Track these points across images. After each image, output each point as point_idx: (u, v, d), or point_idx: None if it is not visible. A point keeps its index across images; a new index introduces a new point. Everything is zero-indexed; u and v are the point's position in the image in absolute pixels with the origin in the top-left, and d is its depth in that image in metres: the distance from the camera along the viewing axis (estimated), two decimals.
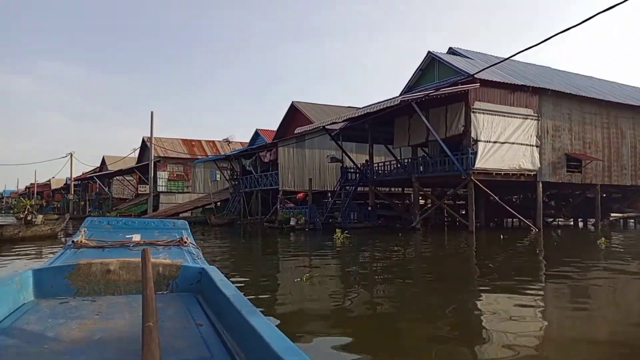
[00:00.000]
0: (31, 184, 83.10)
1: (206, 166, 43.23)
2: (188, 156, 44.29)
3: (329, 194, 29.86)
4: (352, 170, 27.57)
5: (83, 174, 60.51)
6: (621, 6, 7.30)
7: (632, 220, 29.42)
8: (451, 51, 24.87)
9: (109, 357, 1.71)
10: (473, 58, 24.39)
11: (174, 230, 4.02)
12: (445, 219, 30.00)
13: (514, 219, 30.35)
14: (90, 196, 56.66)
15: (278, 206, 28.81)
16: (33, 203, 49.95)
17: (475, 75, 19.51)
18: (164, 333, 1.84)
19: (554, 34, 8.78)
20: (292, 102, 36.33)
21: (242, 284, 7.13)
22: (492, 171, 20.58)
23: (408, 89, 24.67)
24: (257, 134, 41.45)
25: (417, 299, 6.52)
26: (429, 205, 27.24)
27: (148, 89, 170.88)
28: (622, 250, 13.79)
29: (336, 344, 4.13)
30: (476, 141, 20.32)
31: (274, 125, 40.39)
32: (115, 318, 2.13)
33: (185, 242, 3.51)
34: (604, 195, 26.51)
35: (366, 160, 26.94)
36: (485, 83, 20.50)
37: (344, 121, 23.32)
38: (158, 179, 42.32)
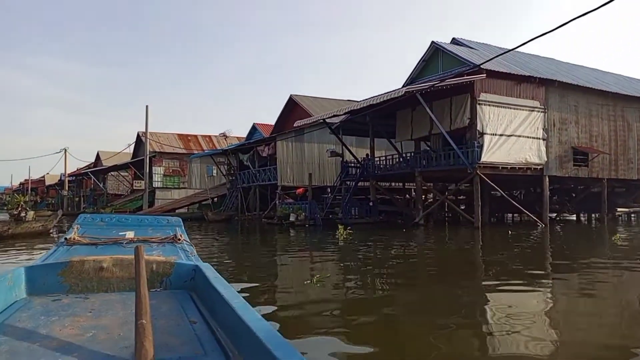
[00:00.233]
0: (25, 180, 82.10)
1: (202, 161, 42.59)
2: (184, 151, 43.57)
3: (329, 189, 29.21)
4: (352, 164, 26.93)
5: (77, 169, 59.79)
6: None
7: (634, 215, 28.94)
8: (455, 42, 24.21)
9: (102, 354, 1.68)
10: (477, 49, 23.75)
11: (168, 227, 3.96)
12: (446, 215, 29.46)
13: (516, 215, 30.04)
14: (84, 192, 55.93)
15: (277, 202, 28.14)
16: (27, 199, 49.14)
17: (481, 66, 18.84)
18: (158, 330, 1.83)
19: (559, 24, 8.33)
20: (291, 95, 35.61)
21: (248, 289, 6.48)
22: (498, 165, 19.99)
23: (411, 80, 24.01)
24: (254, 129, 40.76)
25: (444, 302, 5.90)
26: (430, 201, 26.70)
27: (143, 84, 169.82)
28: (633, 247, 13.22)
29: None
30: (482, 134, 19.71)
31: (271, 121, 39.79)
32: (108, 315, 2.12)
33: (179, 239, 3.45)
34: (608, 189, 26.04)
35: (367, 155, 26.30)
36: (491, 74, 19.87)
37: (345, 113, 22.64)
38: (153, 175, 41.63)
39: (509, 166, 20.31)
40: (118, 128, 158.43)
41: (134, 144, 47.49)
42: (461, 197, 30.02)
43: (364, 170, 25.49)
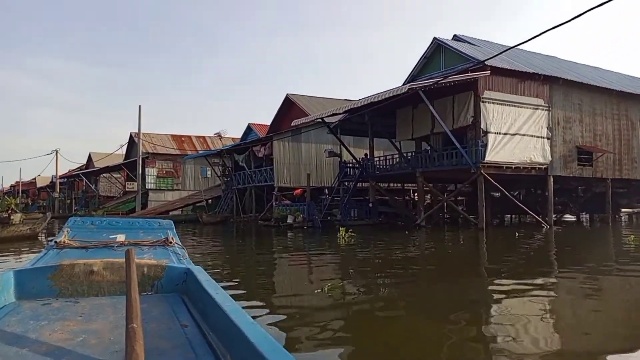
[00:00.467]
0: (16, 182, 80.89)
1: (196, 162, 41.84)
2: (178, 152, 42.78)
3: (326, 190, 28.57)
4: (351, 165, 26.29)
5: (69, 171, 58.85)
6: None
7: (635, 216, 28.48)
8: (456, 38, 23.62)
9: (93, 359, 1.66)
10: (479, 45, 23.18)
11: (159, 230, 3.90)
12: (446, 216, 28.89)
13: (514, 216, 29.56)
14: (76, 194, 54.98)
15: (274, 203, 27.42)
16: (18, 202, 48.36)
17: (484, 63, 18.26)
18: (149, 334, 1.80)
19: (562, 21, 8.11)
20: (287, 94, 34.92)
21: (254, 299, 5.80)
22: (502, 165, 19.41)
23: (412, 78, 23.38)
24: (249, 129, 40.06)
25: (472, 313, 5.27)
26: (428, 202, 26.10)
27: (136, 84, 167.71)
28: None
29: None
30: (486, 133, 19.13)
31: (267, 121, 39.08)
32: (98, 319, 2.09)
33: (171, 242, 3.41)
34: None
35: (365, 154, 25.66)
36: (495, 71, 19.31)
37: (345, 112, 21.97)
38: (146, 176, 40.84)
39: (513, 166, 19.74)
40: (110, 129, 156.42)
41: (126, 145, 46.63)
42: (461, 198, 29.52)
43: (363, 171, 24.84)
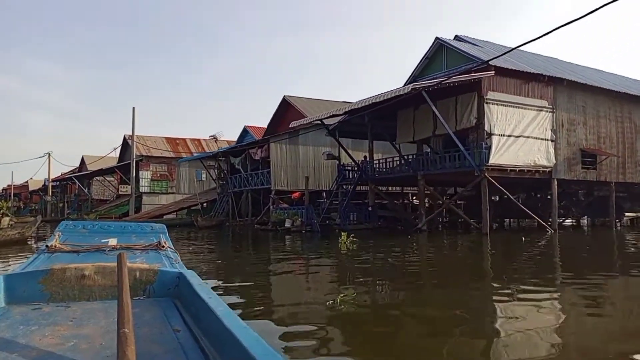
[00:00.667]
0: (8, 185, 79.82)
1: (191, 165, 41.17)
2: (172, 155, 42.07)
3: (324, 194, 28.01)
4: (349, 167, 25.74)
5: (62, 174, 58.04)
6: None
7: (629, 220, 28.04)
8: (458, 39, 23.16)
9: None
10: (482, 46, 22.74)
11: (152, 234, 3.80)
12: (444, 220, 28.39)
13: (514, 220, 29.12)
14: (69, 198, 54.17)
15: (271, 207, 26.81)
16: (10, 205, 47.55)
17: (489, 62, 17.78)
18: (141, 339, 1.78)
19: (567, 21, 7.59)
20: (284, 96, 34.36)
21: (264, 318, 5.20)
22: (506, 167, 18.94)
23: (413, 79, 22.88)
24: (245, 131, 39.46)
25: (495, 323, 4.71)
26: (427, 206, 25.57)
27: (129, 86, 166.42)
28: None
29: None
30: (490, 135, 18.65)
31: (262, 124, 38.51)
32: (90, 324, 2.06)
33: (163, 246, 3.35)
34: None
35: (365, 157, 25.12)
36: (499, 71, 18.86)
37: (345, 113, 21.44)
38: (140, 179, 40.11)
39: (517, 169, 19.27)
40: (103, 132, 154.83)
41: (120, 148, 45.85)
42: (459, 202, 29.03)
43: (363, 174, 24.29)
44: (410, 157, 22.84)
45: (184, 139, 46.08)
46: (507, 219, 29.17)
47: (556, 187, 20.86)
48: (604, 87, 22.89)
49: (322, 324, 4.82)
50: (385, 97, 17.74)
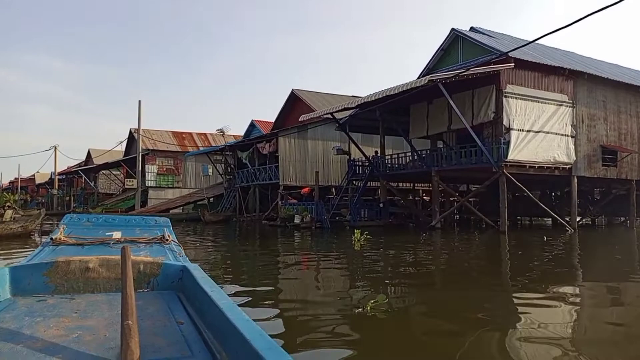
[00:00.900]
0: (15, 178, 79.76)
1: (198, 160, 40.67)
2: (178, 149, 41.55)
3: (333, 189, 27.40)
4: (360, 163, 25.09)
5: (68, 167, 57.74)
6: None
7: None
8: (473, 30, 22.39)
9: (87, 355, 1.65)
10: (498, 38, 21.98)
11: (156, 227, 3.84)
12: (456, 217, 27.72)
13: (526, 218, 28.39)
14: (75, 191, 53.86)
15: (279, 202, 26.22)
16: (17, 198, 47.30)
17: (509, 54, 17.05)
18: (144, 331, 1.79)
19: (586, 14, 7.28)
20: (293, 89, 33.68)
21: (291, 330, 4.57)
22: (525, 164, 18.21)
23: (427, 71, 22.15)
24: (252, 125, 38.86)
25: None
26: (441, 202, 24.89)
27: (136, 80, 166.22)
28: None
29: None
30: (508, 129, 17.93)
31: (270, 118, 37.90)
32: (94, 316, 2.07)
33: (167, 240, 3.32)
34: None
35: (376, 152, 24.46)
36: (519, 63, 18.12)
37: (357, 106, 20.76)
38: (146, 173, 39.63)
39: (536, 165, 18.54)
40: (110, 125, 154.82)
41: (126, 141, 45.40)
42: (471, 199, 28.31)
43: (374, 169, 23.63)
44: (424, 152, 22.15)
45: (190, 133, 45.54)
46: (520, 217, 28.43)
47: (576, 184, 20.11)
48: (625, 81, 22.08)
49: (356, 336, 4.20)
50: (400, 90, 17.06)
